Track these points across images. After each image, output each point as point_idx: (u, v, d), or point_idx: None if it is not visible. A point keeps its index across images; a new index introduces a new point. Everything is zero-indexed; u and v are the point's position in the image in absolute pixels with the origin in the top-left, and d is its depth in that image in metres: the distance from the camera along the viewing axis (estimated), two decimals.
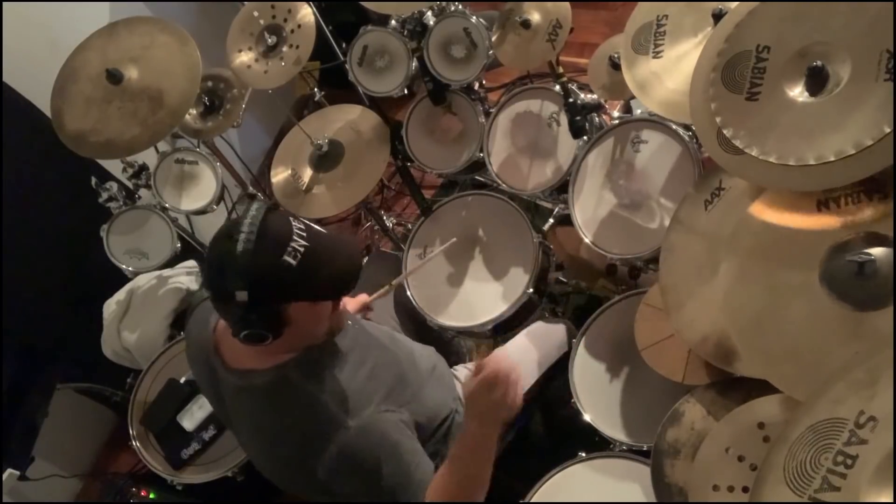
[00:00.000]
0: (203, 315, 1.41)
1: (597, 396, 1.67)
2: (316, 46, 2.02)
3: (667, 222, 1.53)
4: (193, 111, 2.21)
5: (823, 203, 1.11)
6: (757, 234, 1.19)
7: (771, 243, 1.17)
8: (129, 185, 2.24)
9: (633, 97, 1.75)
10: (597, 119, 2.02)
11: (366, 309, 1.69)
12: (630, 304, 1.70)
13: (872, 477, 0.83)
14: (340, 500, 1.29)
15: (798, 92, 1.12)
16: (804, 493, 0.88)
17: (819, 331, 1.06)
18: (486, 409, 1.23)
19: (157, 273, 2.31)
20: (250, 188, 2.46)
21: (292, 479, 1.37)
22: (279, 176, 2.27)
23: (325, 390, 1.26)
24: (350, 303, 1.66)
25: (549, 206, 2.17)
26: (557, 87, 1.94)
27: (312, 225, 1.22)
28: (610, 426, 1.61)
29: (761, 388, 1.16)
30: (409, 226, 2.12)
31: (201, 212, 2.23)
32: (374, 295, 1.69)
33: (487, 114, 2.14)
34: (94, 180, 2.16)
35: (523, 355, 1.79)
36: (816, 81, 1.09)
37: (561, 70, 1.91)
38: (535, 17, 1.86)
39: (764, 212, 1.19)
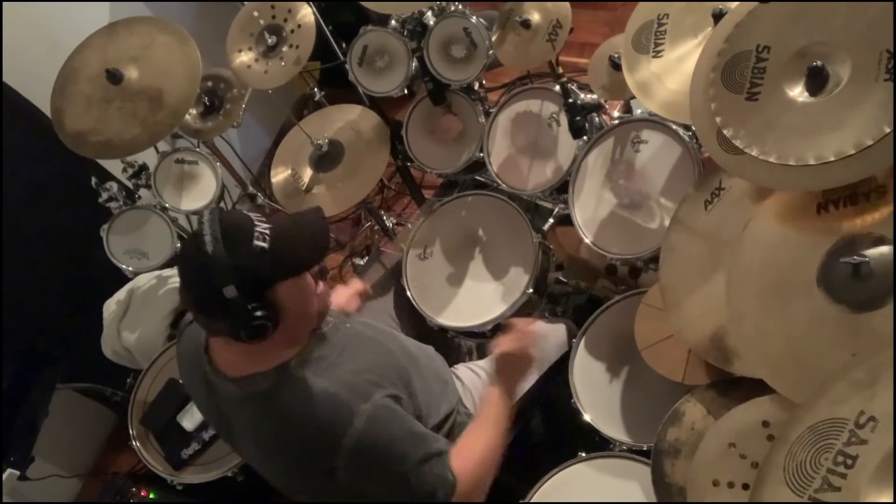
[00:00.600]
0: (191, 337, 1.39)
1: (597, 396, 1.67)
2: (316, 46, 2.02)
3: (667, 222, 1.53)
4: (193, 111, 2.22)
5: (823, 205, 1.11)
6: (757, 235, 1.19)
7: (771, 245, 1.17)
8: (129, 185, 2.24)
9: (633, 97, 1.75)
10: (597, 119, 2.02)
11: (363, 296, 1.69)
12: (630, 304, 1.70)
13: (872, 477, 0.83)
14: (360, 493, 1.28)
15: (798, 92, 1.12)
16: (804, 493, 0.88)
17: (818, 332, 1.06)
18: (517, 360, 1.47)
19: (157, 273, 2.30)
20: (250, 188, 2.46)
21: (305, 482, 1.34)
22: (279, 176, 2.27)
23: (332, 382, 1.26)
24: (343, 292, 1.66)
25: (549, 206, 2.16)
26: (557, 87, 1.94)
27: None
28: (610, 426, 1.61)
29: (761, 388, 1.16)
30: (409, 226, 2.12)
31: (201, 212, 2.23)
32: (369, 279, 1.71)
33: (487, 114, 2.14)
34: (94, 180, 2.16)
35: None
36: (816, 81, 1.09)
37: (561, 70, 1.91)
38: (535, 17, 1.86)
39: (765, 213, 1.19)
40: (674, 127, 1.73)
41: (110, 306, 2.36)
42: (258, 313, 1.15)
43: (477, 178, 2.37)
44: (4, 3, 2.22)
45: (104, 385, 2.51)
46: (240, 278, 1.12)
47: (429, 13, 2.12)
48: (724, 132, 1.17)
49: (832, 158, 1.04)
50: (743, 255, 1.20)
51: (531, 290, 1.86)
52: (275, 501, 2.11)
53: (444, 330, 1.94)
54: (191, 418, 1.99)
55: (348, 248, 2.93)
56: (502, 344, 1.51)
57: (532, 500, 1.56)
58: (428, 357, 1.61)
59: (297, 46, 2.01)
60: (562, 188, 1.97)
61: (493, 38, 1.95)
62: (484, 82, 2.34)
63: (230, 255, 1.12)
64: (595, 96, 1.89)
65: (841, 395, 0.90)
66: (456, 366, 1.76)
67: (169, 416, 2.01)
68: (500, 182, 2.09)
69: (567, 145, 1.97)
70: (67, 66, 1.96)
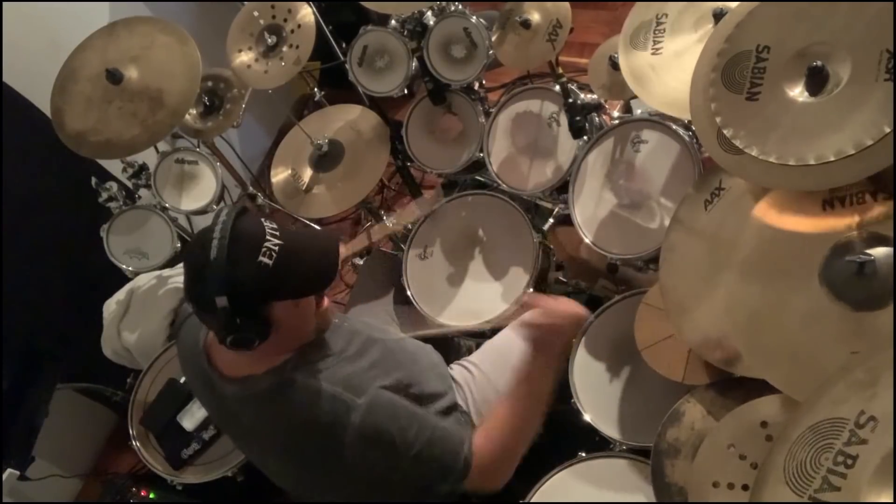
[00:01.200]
0: (192, 330, 1.40)
1: (597, 396, 1.67)
2: (316, 46, 2.02)
3: (667, 222, 1.53)
4: (193, 111, 2.21)
5: (829, 202, 1.11)
6: (758, 234, 1.19)
7: (772, 243, 1.17)
8: (129, 185, 2.24)
9: (633, 97, 1.75)
10: (597, 119, 2.02)
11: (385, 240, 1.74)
12: (630, 304, 1.70)
13: (872, 477, 0.83)
14: (376, 482, 1.28)
15: (798, 92, 1.12)
16: (804, 493, 0.87)
17: (819, 331, 1.06)
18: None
19: (157, 273, 2.30)
20: (250, 188, 2.46)
21: (317, 480, 1.34)
22: (279, 176, 2.27)
23: (327, 381, 1.26)
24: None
25: (549, 206, 2.16)
26: (557, 87, 1.94)
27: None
28: (610, 426, 1.61)
29: (761, 388, 1.16)
30: (409, 226, 2.12)
31: (201, 212, 2.23)
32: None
33: (487, 114, 2.13)
34: (94, 180, 2.16)
35: None
36: (816, 81, 1.09)
37: (561, 70, 1.91)
38: (535, 17, 1.86)
39: (766, 212, 1.19)
40: (674, 127, 1.73)
41: (110, 306, 2.36)
42: (245, 328, 1.15)
43: (477, 178, 2.37)
44: (4, 3, 2.22)
45: (104, 385, 2.51)
46: (233, 292, 1.12)
47: (429, 13, 2.12)
48: (724, 132, 1.17)
49: (832, 158, 1.04)
50: (744, 251, 1.20)
51: (531, 290, 1.86)
52: (275, 501, 2.11)
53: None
54: (191, 418, 1.99)
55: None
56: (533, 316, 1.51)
57: (532, 500, 1.56)
58: (427, 356, 1.61)
59: (297, 46, 2.01)
60: (562, 188, 1.97)
61: (493, 38, 1.95)
62: (484, 82, 2.34)
63: (230, 266, 1.11)
64: (595, 96, 1.89)
65: (841, 394, 0.90)
66: (450, 365, 1.76)
67: (169, 416, 2.01)
68: (500, 182, 2.09)
69: (567, 145, 1.97)
70: (67, 66, 1.95)
